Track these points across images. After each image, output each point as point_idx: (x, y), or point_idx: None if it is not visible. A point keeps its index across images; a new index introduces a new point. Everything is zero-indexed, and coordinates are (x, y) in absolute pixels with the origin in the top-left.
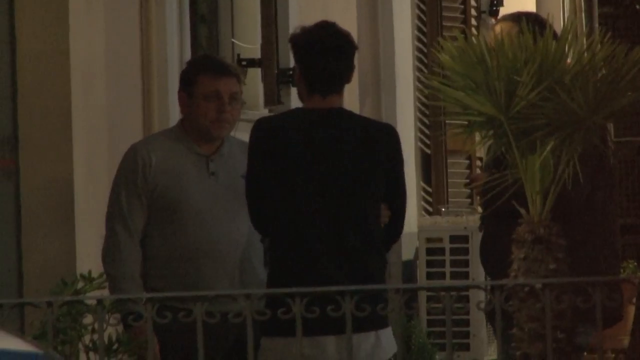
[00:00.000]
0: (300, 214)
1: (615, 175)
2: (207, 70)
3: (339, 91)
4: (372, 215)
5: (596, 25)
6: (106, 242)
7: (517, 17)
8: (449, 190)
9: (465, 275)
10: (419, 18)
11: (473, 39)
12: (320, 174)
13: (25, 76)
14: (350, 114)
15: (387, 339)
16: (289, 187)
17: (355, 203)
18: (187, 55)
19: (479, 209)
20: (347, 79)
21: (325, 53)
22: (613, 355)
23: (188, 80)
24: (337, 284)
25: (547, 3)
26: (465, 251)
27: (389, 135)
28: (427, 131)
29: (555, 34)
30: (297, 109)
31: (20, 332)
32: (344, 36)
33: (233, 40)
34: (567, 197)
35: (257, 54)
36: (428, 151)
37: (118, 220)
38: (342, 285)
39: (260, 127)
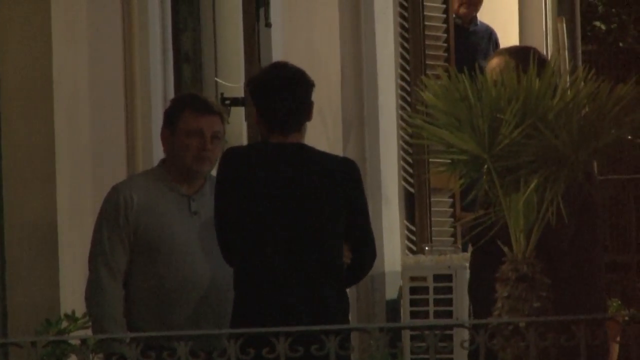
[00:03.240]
0: (260, 248)
1: (600, 213)
2: (190, 107)
3: (298, 128)
4: (333, 249)
5: (580, 62)
6: (89, 283)
7: (510, 52)
8: (433, 229)
9: (450, 314)
10: (402, 56)
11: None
12: (280, 209)
13: (10, 114)
14: (310, 150)
15: None
16: (252, 220)
17: (316, 237)
18: (171, 95)
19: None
20: (306, 116)
21: (280, 92)
22: None
23: (171, 116)
24: (297, 316)
25: (530, 40)
26: (449, 290)
27: (349, 170)
28: (410, 169)
29: (543, 61)
30: (263, 142)
31: None
32: (298, 74)
33: (217, 79)
34: (551, 235)
35: (241, 93)
36: (411, 190)
37: (100, 260)
38: (300, 318)
39: (226, 158)
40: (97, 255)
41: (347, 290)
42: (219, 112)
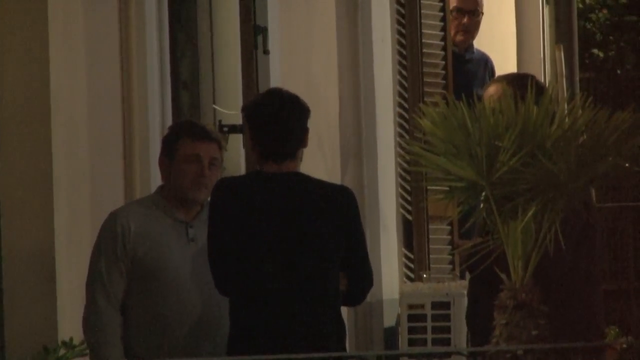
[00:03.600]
0: (256, 276)
1: (598, 240)
2: (188, 133)
3: (293, 156)
4: (329, 277)
5: (577, 90)
6: (86, 310)
7: (507, 80)
8: (431, 256)
9: (447, 342)
10: (400, 83)
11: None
12: (275, 238)
13: (7, 141)
14: (305, 178)
15: None
16: (246, 249)
17: (312, 266)
18: (169, 122)
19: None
20: (301, 143)
21: (274, 118)
22: None
23: (169, 143)
24: (293, 343)
25: (528, 68)
26: (447, 317)
27: (344, 198)
28: (408, 197)
29: (541, 89)
30: (256, 171)
31: None
32: (293, 100)
33: (214, 106)
34: (549, 263)
35: (239, 120)
36: (409, 217)
37: (98, 287)
38: (296, 345)
39: (219, 188)
40: (94, 282)
41: (345, 317)
42: (217, 139)
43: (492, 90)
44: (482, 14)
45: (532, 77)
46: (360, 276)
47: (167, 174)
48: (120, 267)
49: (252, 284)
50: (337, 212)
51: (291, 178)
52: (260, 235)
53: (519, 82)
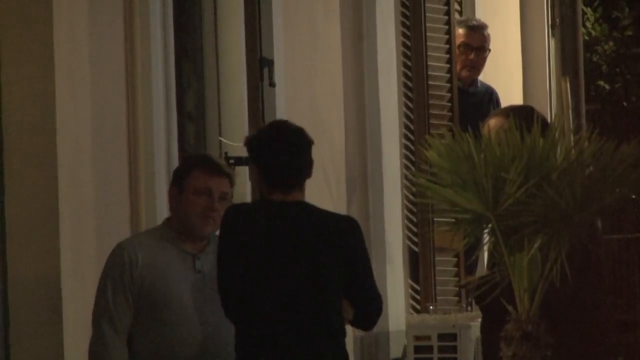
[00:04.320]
0: (260, 305)
1: (605, 272)
2: (200, 166)
3: (299, 186)
4: (332, 306)
5: (583, 121)
6: (93, 341)
7: (508, 113)
8: (437, 288)
9: None
10: (406, 115)
11: (460, 135)
12: (280, 266)
13: (13, 171)
14: (311, 208)
15: None
16: (252, 277)
17: (316, 295)
18: (174, 153)
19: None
20: (307, 174)
21: (280, 151)
22: None
23: (180, 174)
24: None
25: (534, 100)
26: (454, 349)
27: (350, 228)
28: (414, 228)
29: (545, 124)
30: (264, 200)
31: None
32: (298, 132)
33: (220, 138)
34: (556, 294)
35: (245, 152)
36: (416, 249)
37: (105, 318)
38: None
39: (228, 216)
40: (101, 313)
41: (351, 348)
42: (228, 174)
43: (492, 123)
44: (489, 50)
45: (533, 109)
46: (368, 303)
47: (176, 205)
48: (127, 298)
49: (255, 312)
50: (342, 242)
51: (297, 207)
52: (265, 262)
53: (522, 113)
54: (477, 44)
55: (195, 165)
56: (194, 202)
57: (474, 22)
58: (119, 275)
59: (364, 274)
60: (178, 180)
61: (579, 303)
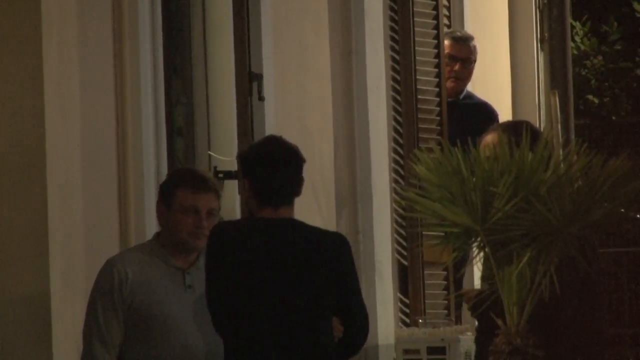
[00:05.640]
0: (248, 322)
1: (600, 286)
2: (186, 184)
3: (289, 203)
4: (322, 325)
5: (572, 136)
6: (83, 357)
7: (504, 128)
8: (426, 301)
9: None
10: (395, 129)
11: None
12: (269, 283)
13: (2, 188)
14: (300, 224)
15: None
16: (240, 294)
17: (305, 312)
18: (164, 168)
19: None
20: (297, 192)
21: (273, 167)
22: None
23: (167, 191)
24: None
25: (523, 114)
26: None
27: (339, 245)
28: (403, 242)
29: (536, 134)
30: (252, 217)
31: None
32: (291, 150)
33: (210, 152)
34: (551, 309)
35: (234, 167)
36: (405, 262)
37: (95, 335)
38: None
39: (216, 233)
40: (91, 330)
41: None
42: (215, 189)
43: (489, 138)
44: (475, 61)
45: (527, 123)
46: (355, 324)
47: (165, 221)
48: (117, 314)
49: (243, 329)
50: (331, 259)
51: (286, 224)
52: (254, 280)
53: (513, 129)
54: (463, 55)
55: (182, 182)
56: (182, 221)
57: (459, 34)
58: (108, 292)
59: (353, 292)
60: (165, 197)
61: (576, 317)
